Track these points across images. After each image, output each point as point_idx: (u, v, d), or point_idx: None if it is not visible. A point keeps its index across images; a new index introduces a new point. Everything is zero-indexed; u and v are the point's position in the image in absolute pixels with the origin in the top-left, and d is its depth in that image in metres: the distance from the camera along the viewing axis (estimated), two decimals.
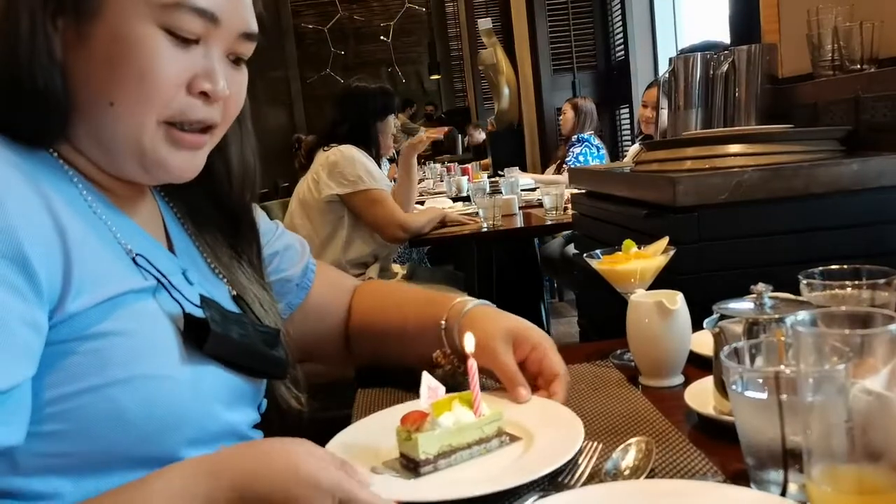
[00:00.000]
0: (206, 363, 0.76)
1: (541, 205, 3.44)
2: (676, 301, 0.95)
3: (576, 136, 4.71)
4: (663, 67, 5.08)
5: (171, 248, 0.86)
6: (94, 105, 0.72)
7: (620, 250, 1.11)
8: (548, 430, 0.81)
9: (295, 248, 1.08)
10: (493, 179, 4.72)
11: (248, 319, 0.85)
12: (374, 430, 0.84)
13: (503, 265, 3.45)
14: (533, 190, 4.26)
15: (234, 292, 0.89)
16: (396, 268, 3.10)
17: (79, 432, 0.66)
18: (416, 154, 3.05)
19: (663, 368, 0.97)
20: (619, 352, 1.10)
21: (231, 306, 0.87)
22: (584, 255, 1.12)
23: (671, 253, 1.08)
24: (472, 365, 0.81)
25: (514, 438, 0.81)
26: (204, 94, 0.74)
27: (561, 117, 5.05)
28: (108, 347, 0.68)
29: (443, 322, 0.99)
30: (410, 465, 0.75)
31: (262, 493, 0.61)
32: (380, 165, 2.93)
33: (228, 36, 0.76)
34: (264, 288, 0.93)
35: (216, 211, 0.91)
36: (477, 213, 3.16)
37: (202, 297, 0.78)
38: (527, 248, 3.48)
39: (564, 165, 4.57)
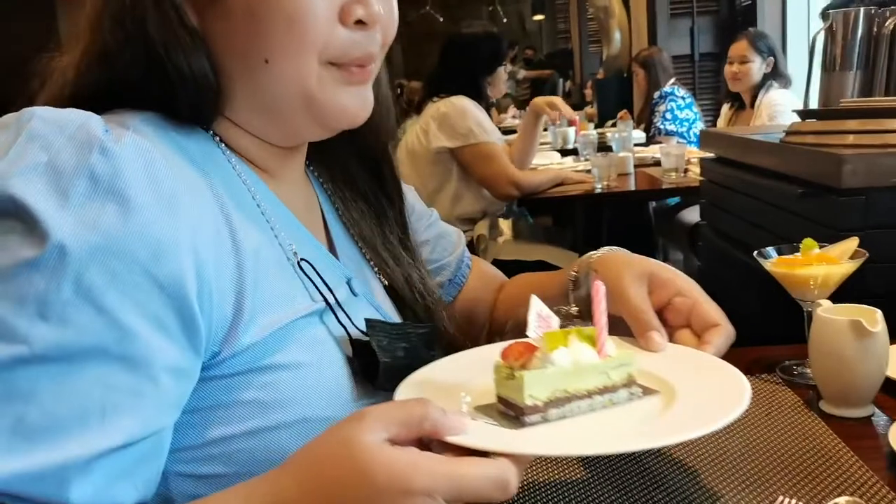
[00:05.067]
0: (375, 398, 0.67)
1: (656, 163, 3.26)
2: (877, 321, 0.82)
3: (657, 93, 4.42)
4: (792, 13, 4.70)
5: (331, 247, 0.78)
6: (248, 68, 0.65)
7: (792, 246, 0.97)
8: (694, 382, 0.64)
9: (450, 238, 0.99)
10: (598, 131, 4.51)
11: (408, 324, 0.77)
12: (461, 368, 0.67)
13: (613, 226, 3.30)
14: (645, 145, 4.05)
15: (387, 282, 0.81)
16: (503, 224, 3.00)
17: (239, 478, 0.57)
18: (544, 116, 2.87)
19: (853, 396, 0.84)
20: (789, 364, 0.97)
21: (385, 301, 0.79)
22: (755, 252, 0.98)
23: (862, 259, 0.94)
24: (599, 289, 0.63)
25: (648, 391, 0.64)
26: (360, 23, 0.66)
27: (634, 80, 4.76)
28: (278, 383, 0.61)
29: (573, 273, 0.86)
30: (512, 413, 0.59)
31: None
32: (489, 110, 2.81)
33: None
34: (415, 263, 0.85)
35: (360, 166, 0.83)
36: (588, 171, 3.01)
37: (368, 322, 0.69)
38: (641, 211, 3.31)
39: (655, 128, 4.32)
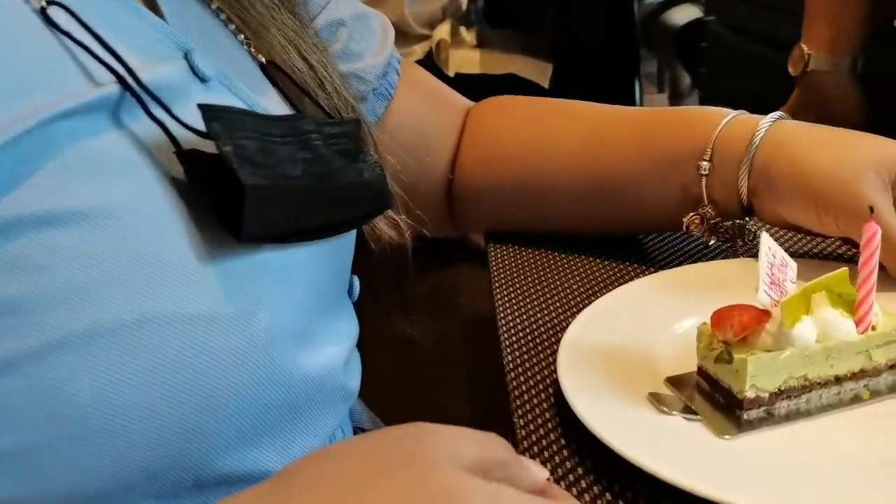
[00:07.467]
0: (237, 261, 0.37)
1: None
2: None
3: None
4: None
5: (152, 6, 0.43)
6: None
7: None
8: None
9: (371, 25, 0.63)
10: None
11: (302, 116, 0.45)
12: (628, 320, 0.52)
13: (589, 27, 2.92)
14: None
15: (262, 58, 0.48)
16: (464, 32, 2.60)
17: None
18: None
19: None
20: None
21: (269, 93, 0.46)
22: None
23: None
24: (876, 235, 0.44)
25: None
26: None
27: None
28: (39, 257, 0.31)
29: (704, 162, 0.57)
30: (723, 401, 0.43)
31: None
32: None
33: None
34: (300, 20, 0.52)
35: None
36: None
37: (209, 112, 0.36)
38: (623, 10, 2.93)
39: None
